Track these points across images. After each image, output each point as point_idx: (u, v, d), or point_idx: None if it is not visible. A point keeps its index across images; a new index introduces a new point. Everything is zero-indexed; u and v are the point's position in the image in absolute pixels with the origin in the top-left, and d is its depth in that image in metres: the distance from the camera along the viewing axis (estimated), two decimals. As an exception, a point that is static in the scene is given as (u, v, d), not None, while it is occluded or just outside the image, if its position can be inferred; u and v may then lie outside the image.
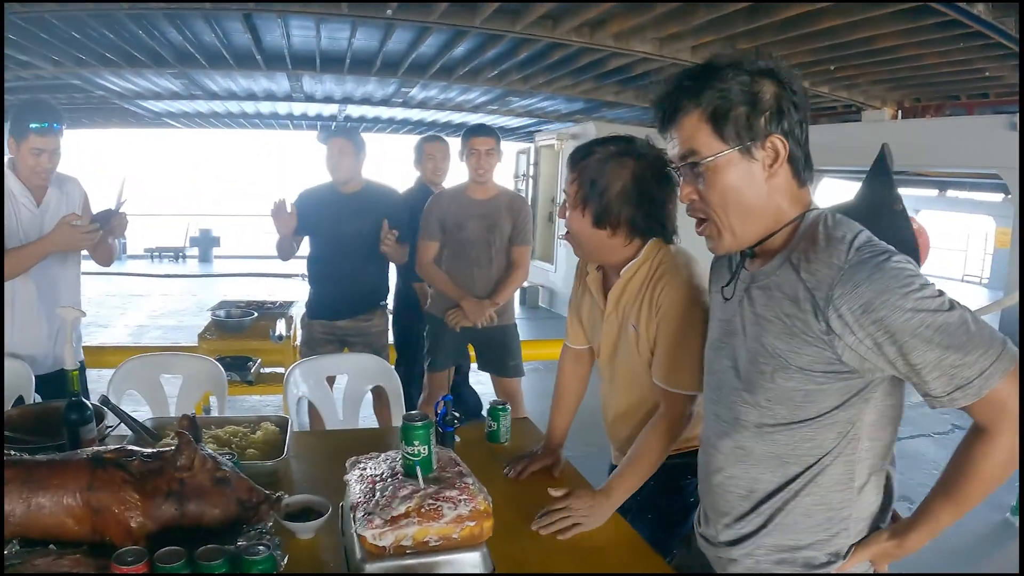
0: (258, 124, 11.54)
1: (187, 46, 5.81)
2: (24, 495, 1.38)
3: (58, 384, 2.58)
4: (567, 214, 1.78)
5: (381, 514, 1.43)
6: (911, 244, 1.32)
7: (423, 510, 1.44)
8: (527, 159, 10.46)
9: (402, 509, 1.43)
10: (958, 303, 1.12)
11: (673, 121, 1.26)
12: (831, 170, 8.08)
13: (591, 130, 8.16)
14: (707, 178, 1.23)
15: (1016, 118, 5.09)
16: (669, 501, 1.91)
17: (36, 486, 1.39)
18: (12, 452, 1.49)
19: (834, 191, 8.81)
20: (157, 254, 14.68)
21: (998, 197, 12.19)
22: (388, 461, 1.64)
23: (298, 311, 4.39)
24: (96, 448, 1.50)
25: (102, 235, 2.56)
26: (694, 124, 1.22)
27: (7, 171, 2.57)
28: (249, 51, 6.04)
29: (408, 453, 1.54)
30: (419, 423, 1.54)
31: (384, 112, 10.40)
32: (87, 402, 1.79)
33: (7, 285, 2.48)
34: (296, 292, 10.58)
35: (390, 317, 4.02)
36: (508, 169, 12.25)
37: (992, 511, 4.06)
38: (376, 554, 1.42)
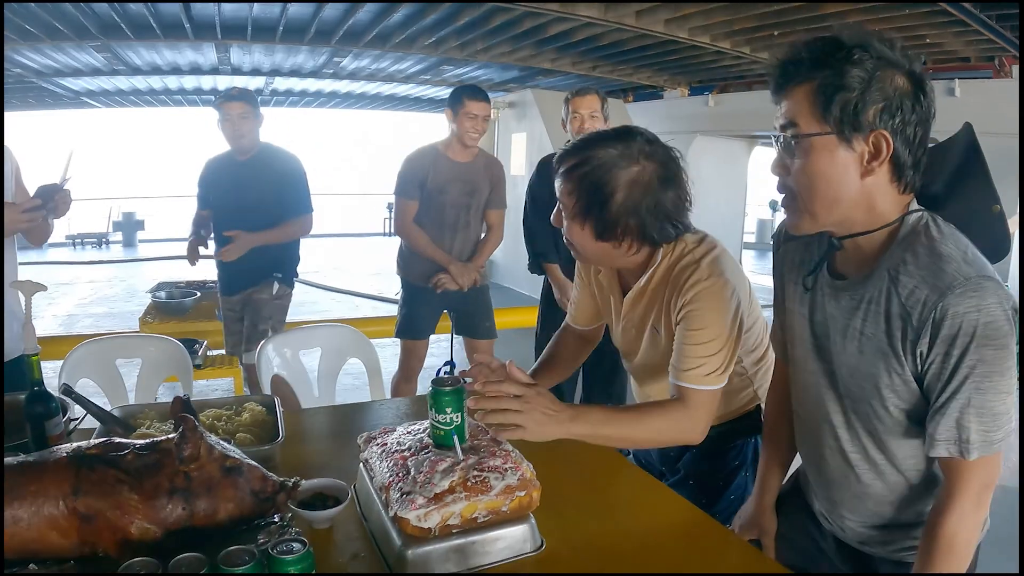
0: (181, 101, 10.84)
1: (113, 15, 5.30)
2: (-2, 507, 1.12)
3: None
4: (564, 224, 1.51)
5: (422, 492, 1.22)
6: (1006, 250, 1.21)
7: (469, 483, 1.24)
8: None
9: (446, 484, 1.23)
10: (1015, 380, 1.09)
11: (783, 89, 1.15)
12: (764, 136, 8.12)
13: (529, 97, 7.97)
14: (799, 156, 1.13)
15: (955, 84, 5.16)
16: (712, 467, 1.76)
17: (9, 496, 1.13)
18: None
19: (767, 160, 8.90)
20: (79, 240, 13.76)
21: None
22: (412, 434, 1.43)
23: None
24: (75, 444, 1.23)
25: (43, 214, 2.21)
26: (802, 98, 1.12)
27: None
28: (178, 19, 5.56)
29: (439, 422, 1.33)
30: (450, 388, 1.33)
31: (312, 85, 9.91)
32: (51, 392, 1.51)
33: None
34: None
35: (276, 287, 3.57)
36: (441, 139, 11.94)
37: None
38: (420, 537, 1.22)
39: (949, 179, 1.22)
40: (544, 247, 3.36)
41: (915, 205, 1.17)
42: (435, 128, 13.24)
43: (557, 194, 1.50)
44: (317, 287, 9.76)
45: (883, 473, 1.26)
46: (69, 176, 2.25)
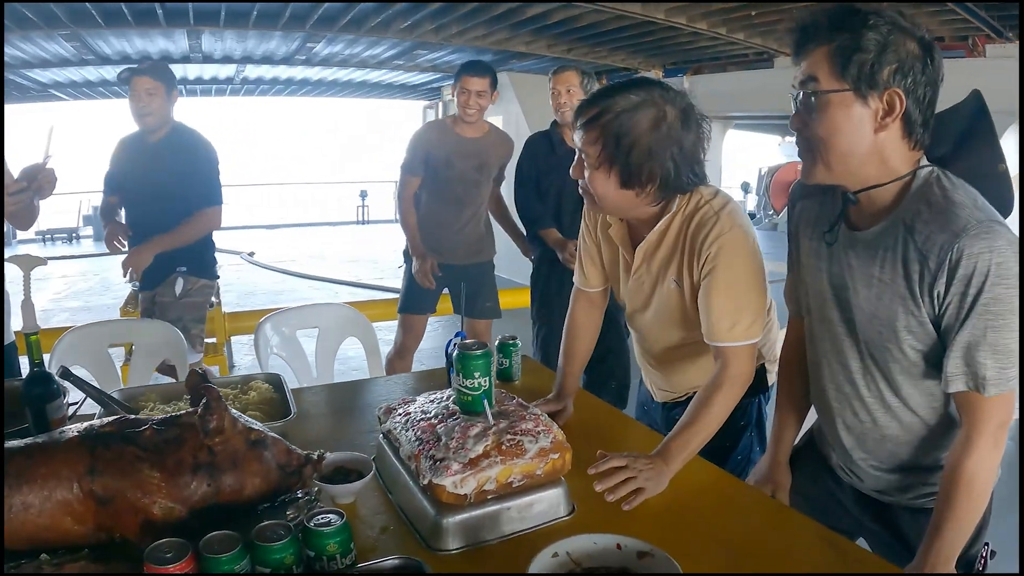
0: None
1: (84, 2, 5.10)
2: (4, 495, 1.03)
3: None
4: (585, 175, 1.48)
5: (457, 458, 1.16)
6: (1010, 207, 1.24)
7: (504, 447, 1.19)
8: (435, 114, 10.04)
9: (480, 449, 1.18)
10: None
11: (803, 49, 1.21)
12: (739, 117, 8.11)
13: (505, 80, 7.87)
14: (818, 111, 1.19)
15: None
16: (720, 427, 1.74)
17: (17, 480, 1.04)
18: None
19: (740, 142, 8.88)
20: (49, 236, 13.41)
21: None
22: (435, 402, 1.37)
23: (224, 275, 3.93)
24: (87, 423, 1.15)
25: (28, 198, 2.08)
26: (821, 58, 1.18)
27: None
28: (150, 6, 5.36)
29: (468, 387, 1.28)
30: (478, 351, 1.28)
31: (284, 72, 9.68)
32: (53, 374, 1.42)
33: None
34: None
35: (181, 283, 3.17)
36: (415, 125, 11.81)
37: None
38: (455, 504, 1.16)
39: (957, 140, 1.25)
40: (538, 214, 3.33)
41: (925, 162, 1.21)
42: (408, 115, 13.05)
43: (578, 144, 1.48)
44: (296, 275, 9.62)
45: (899, 416, 1.29)
46: (51, 154, 2.12)
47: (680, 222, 1.53)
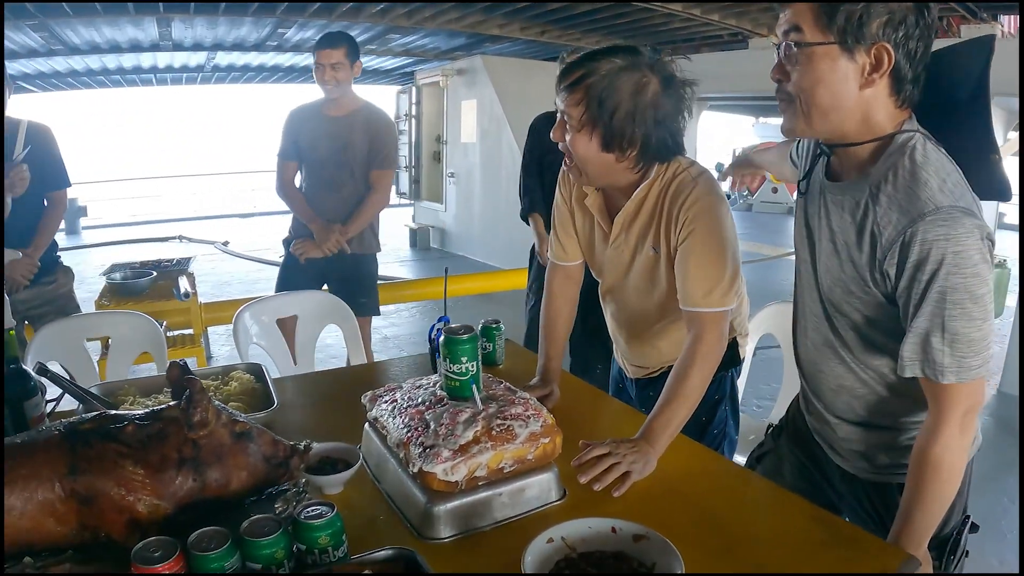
0: (120, 81, 10.27)
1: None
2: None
3: None
4: (567, 138, 1.48)
5: (447, 444, 1.14)
6: (1007, 192, 1.17)
7: (494, 432, 1.17)
8: (409, 99, 9.92)
9: (470, 435, 1.16)
10: (990, 307, 1.09)
11: None
12: (713, 98, 8.09)
13: (478, 64, 7.80)
14: (801, 63, 1.12)
15: None
16: None
17: (-2, 481, 1.00)
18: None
19: (714, 123, 8.88)
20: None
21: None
22: (422, 388, 1.34)
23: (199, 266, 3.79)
24: (67, 420, 1.11)
25: None
26: (806, 7, 1.09)
27: None
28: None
29: (455, 372, 1.25)
30: (464, 336, 1.25)
31: (256, 59, 9.51)
32: (30, 371, 1.38)
33: None
34: (176, 252, 9.75)
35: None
36: (388, 109, 11.65)
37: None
38: (445, 492, 1.14)
39: (950, 109, 1.19)
40: (534, 200, 3.31)
41: (912, 123, 1.15)
42: (379, 100, 12.89)
43: (561, 107, 1.47)
44: (271, 264, 9.50)
45: (853, 370, 1.27)
46: (27, 147, 2.06)
47: (658, 190, 1.53)
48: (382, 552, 0.97)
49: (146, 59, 8.64)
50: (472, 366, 1.25)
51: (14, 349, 1.32)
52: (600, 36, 7.57)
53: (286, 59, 9.77)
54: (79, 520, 1.03)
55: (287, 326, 2.64)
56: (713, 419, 1.80)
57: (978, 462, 1.31)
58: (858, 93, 1.10)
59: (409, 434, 1.20)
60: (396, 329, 6.18)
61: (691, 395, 1.42)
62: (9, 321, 1.34)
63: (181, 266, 4.89)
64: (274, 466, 1.15)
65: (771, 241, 9.96)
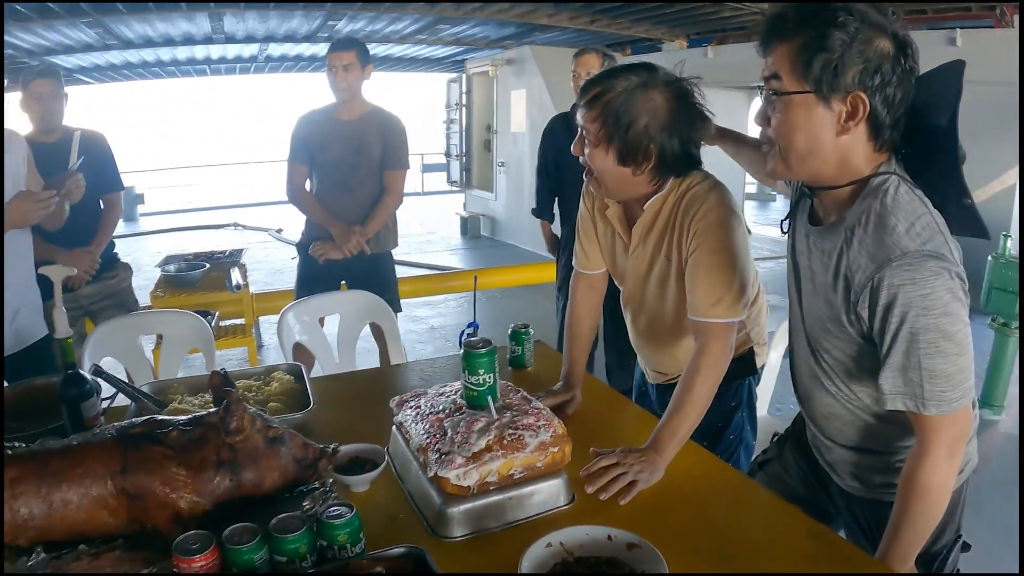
0: (175, 72, 10.67)
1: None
2: (43, 492, 1.13)
3: (22, 364, 2.23)
4: (585, 151, 1.57)
5: (461, 452, 1.25)
6: (984, 232, 1.17)
7: (505, 441, 1.27)
8: (459, 88, 10.06)
9: (483, 444, 1.26)
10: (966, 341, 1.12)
11: (768, 44, 1.19)
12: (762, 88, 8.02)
13: (527, 54, 7.86)
14: (779, 110, 1.18)
15: (957, 33, 5.08)
16: (711, 409, 1.80)
17: (57, 479, 1.15)
18: (17, 444, 1.24)
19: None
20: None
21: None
22: (444, 396, 1.46)
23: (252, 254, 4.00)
24: (118, 425, 1.26)
25: (58, 201, 2.21)
26: (785, 55, 1.15)
27: None
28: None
29: (473, 383, 1.36)
30: (483, 350, 1.36)
31: (308, 49, 9.76)
32: (86, 375, 1.53)
33: None
34: (234, 241, 10.09)
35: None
36: (439, 99, 11.83)
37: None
38: (459, 495, 1.25)
39: (923, 141, 1.21)
40: (542, 205, 3.63)
41: (890, 164, 1.19)
42: (434, 88, 13.06)
43: (580, 122, 1.56)
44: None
45: (840, 400, 1.33)
46: (81, 158, 2.24)
47: (673, 202, 1.61)
48: (395, 550, 1.09)
49: (199, 51, 8.95)
50: (489, 378, 1.36)
51: (71, 355, 1.48)
52: (649, 25, 7.54)
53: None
54: (129, 514, 1.18)
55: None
56: (729, 425, 1.87)
57: (973, 479, 1.35)
58: (835, 139, 1.15)
59: (428, 440, 1.32)
60: (443, 319, 6.33)
61: (696, 405, 1.49)
62: (66, 331, 1.49)
63: (233, 258, 5.10)
64: (304, 467, 1.28)
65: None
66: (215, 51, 9.11)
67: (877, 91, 1.11)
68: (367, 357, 3.48)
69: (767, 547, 1.25)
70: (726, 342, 1.54)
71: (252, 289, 4.95)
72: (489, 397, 1.35)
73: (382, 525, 1.30)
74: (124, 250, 10.21)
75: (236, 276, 4.78)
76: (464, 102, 9.99)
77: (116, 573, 1.12)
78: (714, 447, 1.84)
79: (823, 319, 1.27)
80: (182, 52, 8.83)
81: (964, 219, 1.18)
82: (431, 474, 1.26)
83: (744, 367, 1.86)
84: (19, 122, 2.71)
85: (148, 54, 8.51)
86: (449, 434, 1.30)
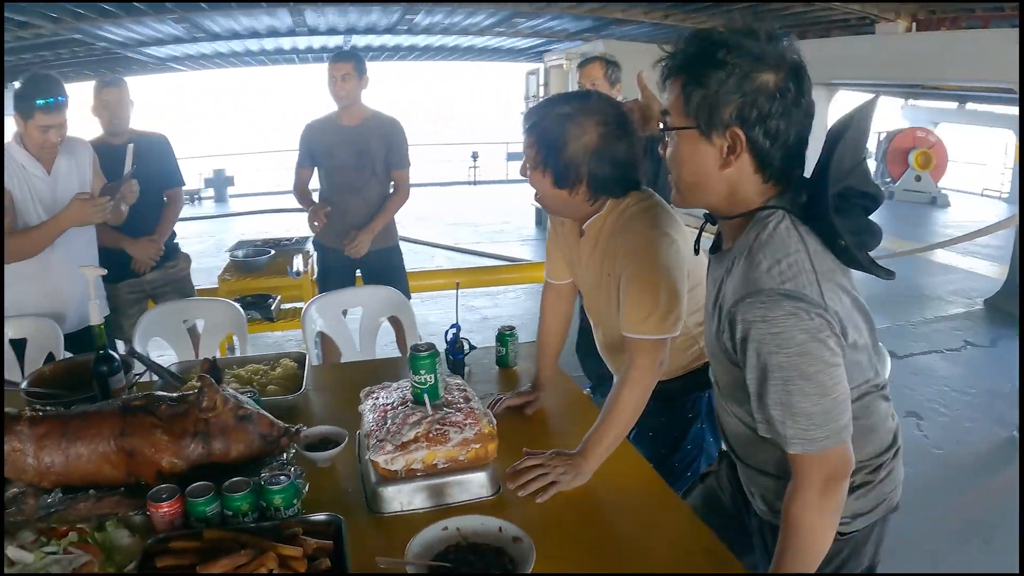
0: (264, 60, 11.39)
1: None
2: (63, 446, 1.48)
3: (87, 340, 2.64)
4: (528, 174, 1.74)
5: (392, 440, 1.52)
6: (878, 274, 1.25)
7: (431, 435, 1.53)
8: (536, 80, 10.30)
9: (411, 435, 1.53)
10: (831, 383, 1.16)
11: (665, 80, 1.27)
12: (842, 84, 7.89)
13: (599, 48, 8.00)
14: (670, 143, 1.28)
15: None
16: (669, 420, 1.97)
17: (73, 437, 1.49)
18: (48, 407, 1.59)
19: (852, 101, 8.59)
20: (174, 197, 14.67)
21: (1017, 111, 11.78)
22: (399, 391, 1.73)
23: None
24: (125, 397, 1.60)
25: (113, 204, 2.61)
26: (674, 90, 1.24)
27: (15, 144, 2.61)
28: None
29: (415, 382, 1.62)
30: (424, 353, 1.61)
31: (390, 40, 10.21)
32: (114, 354, 1.89)
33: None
34: (304, 229, 10.62)
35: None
36: (518, 90, 12.09)
37: (997, 426, 4.10)
38: (389, 477, 1.52)
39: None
40: None
41: (781, 199, 1.24)
42: (513, 77, 13.33)
43: (522, 148, 1.75)
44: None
45: (733, 420, 1.40)
46: (134, 166, 2.64)
47: (611, 222, 1.76)
48: (319, 516, 1.37)
49: (285, 42, 9.52)
50: (430, 378, 1.62)
51: (102, 338, 1.84)
52: (724, 19, 7.56)
53: (419, 40, 10.40)
54: (126, 468, 1.51)
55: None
56: (686, 436, 2.03)
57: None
58: (719, 172, 1.23)
59: (372, 427, 1.60)
60: (498, 310, 6.55)
61: (621, 416, 1.66)
62: (98, 319, 1.85)
63: (298, 245, 5.52)
64: (269, 442, 1.57)
65: (905, 235, 9.51)
66: (301, 42, 9.66)
67: (756, 125, 1.17)
68: (388, 348, 3.82)
69: (656, 556, 1.42)
70: (654, 357, 1.67)
71: (312, 277, 5.36)
72: (427, 395, 1.61)
73: (335, 494, 1.60)
74: (212, 230, 10.88)
75: (298, 263, 5.19)
76: (541, 94, 10.22)
77: (112, 512, 1.45)
78: (671, 456, 2.02)
79: (711, 342, 1.36)
80: (268, 43, 9.41)
81: (849, 259, 1.22)
82: (367, 457, 1.54)
83: (701, 380, 1.95)
84: (89, 126, 3.19)
85: (236, 45, 9.13)
86: (388, 424, 1.57)
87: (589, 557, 1.41)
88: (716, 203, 1.29)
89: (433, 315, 6.04)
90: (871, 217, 1.28)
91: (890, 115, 14.37)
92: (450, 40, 10.58)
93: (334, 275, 3.75)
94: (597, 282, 1.89)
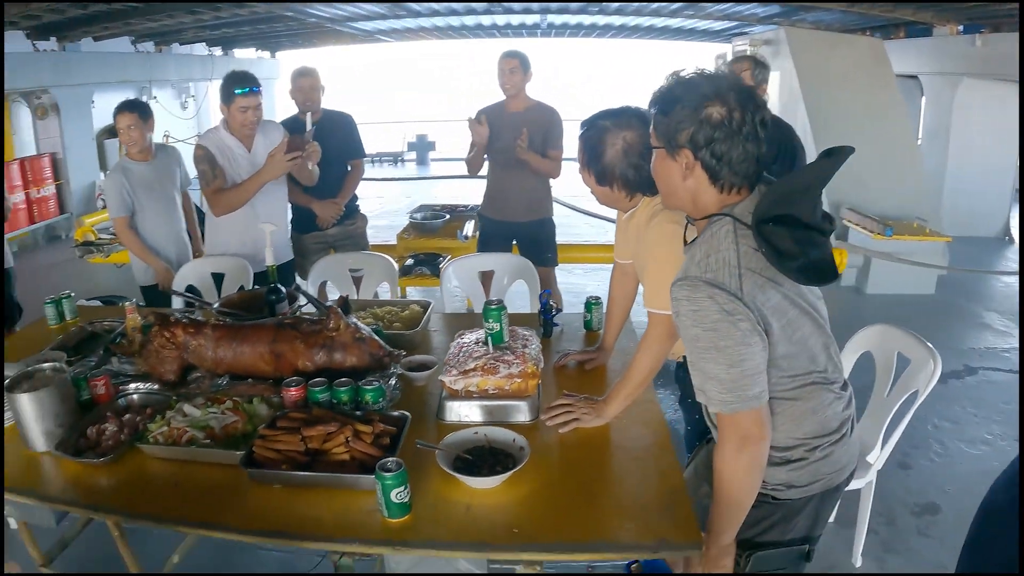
0: (465, 34, 12.26)
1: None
2: (233, 346, 2.15)
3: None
4: (580, 171, 2.11)
5: (457, 367, 2.05)
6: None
7: (485, 367, 2.04)
8: (724, 63, 10.32)
9: (471, 365, 2.04)
10: (739, 358, 1.43)
11: (648, 107, 1.60)
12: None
13: (782, 36, 7.96)
14: (654, 159, 1.61)
15: None
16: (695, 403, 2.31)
17: (240, 340, 2.15)
18: (228, 319, 2.28)
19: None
20: (378, 158, 15.82)
21: None
22: (479, 334, 2.24)
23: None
24: (279, 316, 2.25)
25: (301, 161, 3.32)
26: (653, 118, 1.57)
27: (222, 129, 3.39)
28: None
29: (487, 328, 2.14)
30: (494, 307, 2.12)
31: (586, 19, 10.65)
32: (281, 288, 2.57)
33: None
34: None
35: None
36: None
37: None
38: (452, 394, 2.05)
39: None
40: None
41: (736, 207, 1.50)
42: (704, 58, 13.28)
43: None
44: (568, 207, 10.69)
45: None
46: (312, 127, 3.34)
47: (646, 215, 2.09)
48: (394, 413, 1.93)
49: (485, 19, 10.26)
50: (496, 325, 2.12)
51: (273, 276, 2.55)
52: (915, 8, 7.22)
53: (613, 18, 10.76)
54: (274, 365, 2.15)
55: (487, 278, 3.75)
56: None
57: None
58: (683, 183, 1.54)
59: (448, 357, 2.13)
60: (606, 285, 6.76)
61: (636, 375, 2.04)
62: (272, 260, 2.57)
63: (471, 212, 6.12)
64: (376, 359, 2.16)
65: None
66: (500, 19, 10.35)
67: (705, 148, 1.46)
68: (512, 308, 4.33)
69: (624, 491, 1.76)
70: (664, 329, 2.00)
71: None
72: (490, 339, 2.12)
73: (420, 405, 2.14)
74: (409, 191, 11.90)
75: (468, 228, 5.81)
76: (729, 77, 10.22)
77: (260, 393, 2.09)
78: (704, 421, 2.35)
79: None
80: (468, 20, 10.19)
81: (779, 263, 1.43)
82: (439, 377, 2.08)
83: None
84: (286, 108, 3.99)
85: (437, 20, 9.99)
86: (459, 355, 2.10)
87: (568, 479, 1.79)
88: (686, 207, 1.60)
89: (590, 285, 6.42)
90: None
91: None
92: (644, 20, 10.83)
93: (492, 241, 4.38)
94: (635, 263, 2.28)
